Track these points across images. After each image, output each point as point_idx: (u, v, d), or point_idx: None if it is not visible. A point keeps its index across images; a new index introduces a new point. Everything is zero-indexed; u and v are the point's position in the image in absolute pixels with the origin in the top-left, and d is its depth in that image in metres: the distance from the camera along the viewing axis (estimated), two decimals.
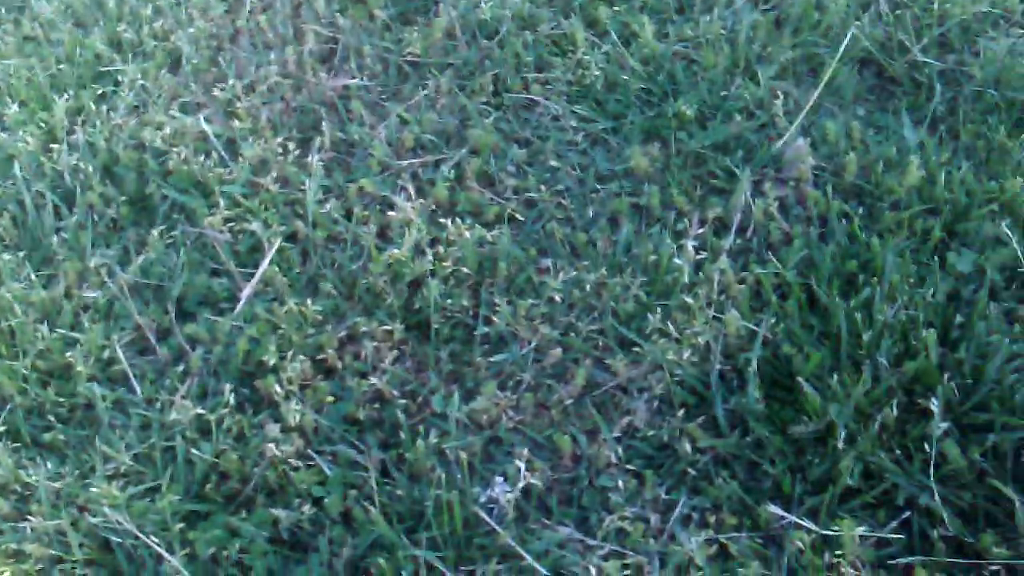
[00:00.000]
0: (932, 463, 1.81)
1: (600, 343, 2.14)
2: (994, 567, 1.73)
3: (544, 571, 1.80)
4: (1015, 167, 2.25)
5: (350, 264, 2.28)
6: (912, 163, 2.21)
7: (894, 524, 1.81)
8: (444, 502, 1.85)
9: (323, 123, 2.53)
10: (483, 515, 1.88)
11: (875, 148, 2.34)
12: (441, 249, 2.25)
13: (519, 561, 1.83)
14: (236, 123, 2.55)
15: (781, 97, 2.44)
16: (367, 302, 2.22)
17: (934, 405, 1.84)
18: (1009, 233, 2.11)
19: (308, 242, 2.33)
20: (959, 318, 2.01)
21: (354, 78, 2.66)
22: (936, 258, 2.11)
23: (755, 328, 2.04)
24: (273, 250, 2.29)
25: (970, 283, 2.09)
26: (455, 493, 1.86)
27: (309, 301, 2.17)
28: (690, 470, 1.93)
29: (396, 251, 2.23)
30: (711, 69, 2.57)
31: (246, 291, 2.25)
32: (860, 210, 2.23)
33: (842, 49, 2.50)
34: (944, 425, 1.83)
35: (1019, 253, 2.10)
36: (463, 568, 1.84)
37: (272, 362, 2.09)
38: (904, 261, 2.08)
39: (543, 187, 2.39)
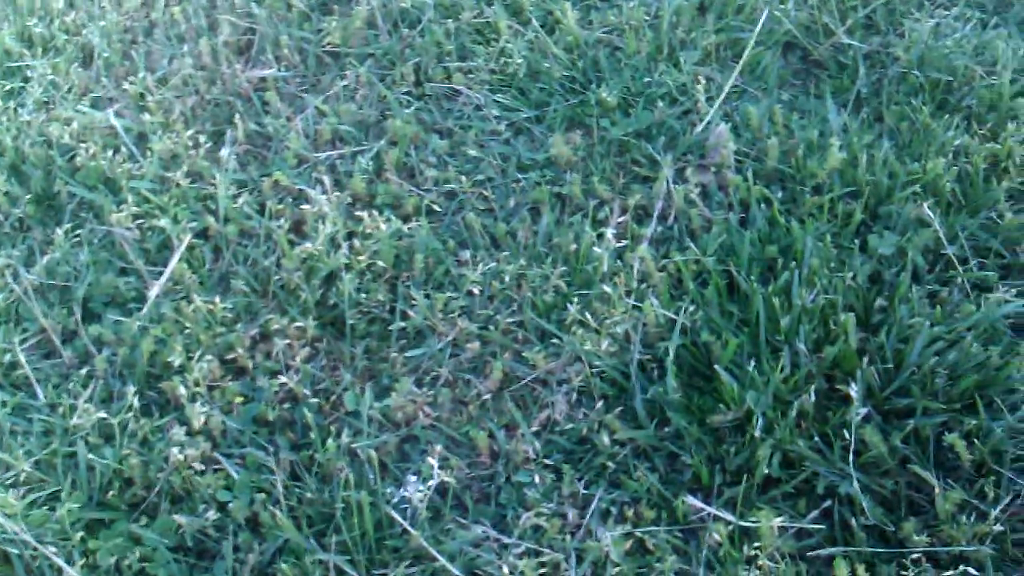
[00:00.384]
0: (852, 450, 1.78)
1: (519, 336, 2.08)
2: (915, 555, 1.69)
3: (457, 572, 1.75)
4: (939, 148, 2.22)
5: (263, 260, 2.21)
6: (833, 146, 2.17)
7: (815, 514, 1.77)
8: (354, 503, 1.79)
9: (237, 116, 2.45)
10: (395, 516, 1.82)
11: (798, 132, 2.31)
12: (357, 243, 2.19)
13: (432, 563, 1.77)
14: (147, 117, 2.47)
15: (703, 82, 2.39)
16: (281, 299, 2.15)
17: (853, 390, 1.80)
18: (931, 214, 2.07)
19: (220, 238, 2.26)
20: (881, 302, 1.98)
21: (271, 69, 2.59)
22: (857, 241, 2.08)
23: (674, 317, 1.99)
24: (183, 247, 2.21)
25: (892, 266, 2.05)
26: (366, 494, 1.79)
27: (218, 299, 2.10)
28: (609, 463, 1.88)
29: (310, 245, 2.16)
30: (634, 55, 2.53)
31: (154, 290, 2.18)
32: (781, 195, 2.19)
33: (757, 30, 2.46)
34: (864, 411, 1.79)
35: (941, 234, 2.07)
36: (374, 571, 1.78)
37: (178, 363, 2.01)
38: (824, 245, 2.04)
39: (464, 178, 2.33)
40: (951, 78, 2.38)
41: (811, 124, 2.33)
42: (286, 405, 2.00)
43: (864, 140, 2.24)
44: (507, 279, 2.13)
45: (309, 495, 1.84)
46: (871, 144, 2.25)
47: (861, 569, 1.64)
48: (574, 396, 1.98)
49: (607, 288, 2.06)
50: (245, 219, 2.28)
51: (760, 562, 1.68)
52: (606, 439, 1.89)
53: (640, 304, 2.02)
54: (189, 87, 2.57)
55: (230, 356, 2.06)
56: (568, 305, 2.05)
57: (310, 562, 1.75)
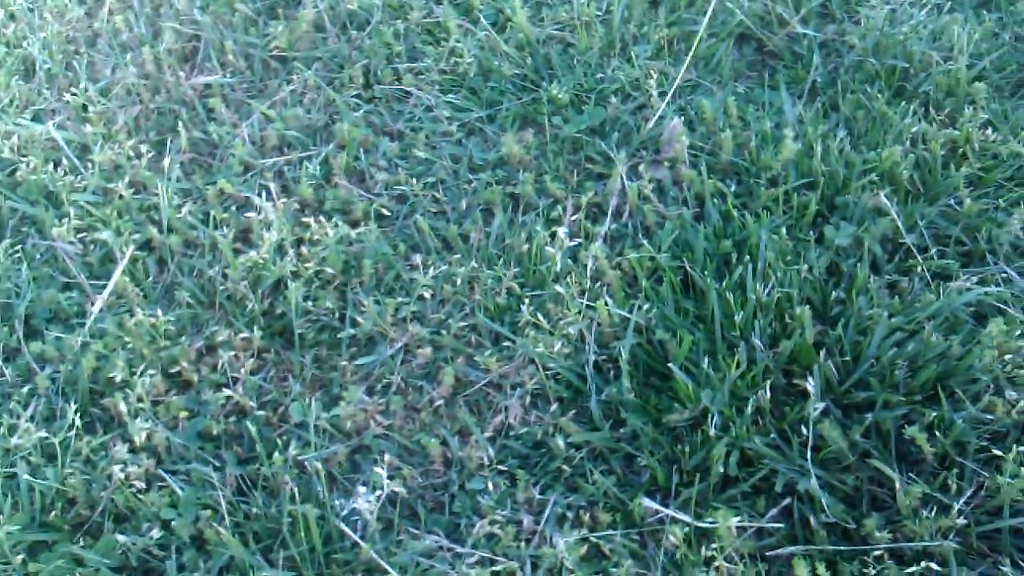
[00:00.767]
0: (811, 446, 1.73)
1: (472, 339, 2.03)
2: (877, 552, 1.65)
3: None
4: (896, 135, 2.18)
5: (209, 270, 2.15)
6: (788, 137, 2.13)
7: (774, 512, 1.72)
8: (301, 518, 1.73)
9: (181, 124, 2.39)
10: (345, 528, 1.76)
11: (753, 124, 2.27)
12: (305, 250, 2.13)
13: (383, 575, 1.72)
14: (89, 128, 2.41)
15: (656, 76, 2.35)
16: (227, 309, 2.10)
17: (810, 385, 1.76)
18: (888, 203, 2.03)
19: (164, 249, 2.20)
20: (839, 294, 1.94)
21: (215, 76, 2.53)
22: (814, 233, 2.04)
23: (628, 316, 1.94)
24: (125, 260, 2.15)
25: (850, 257, 2.01)
26: (314, 507, 1.74)
27: (160, 312, 2.04)
28: (564, 467, 1.83)
29: (255, 254, 2.11)
30: (586, 52, 2.48)
31: (97, 304, 2.11)
32: (736, 188, 2.15)
33: (706, 21, 2.42)
34: (821, 405, 1.75)
35: (899, 223, 2.03)
36: None
37: (120, 378, 1.95)
38: (780, 238, 2.00)
39: (415, 180, 2.28)
40: (907, 65, 2.35)
41: (766, 116, 2.29)
42: (232, 419, 1.94)
43: (819, 130, 2.20)
44: (459, 282, 2.08)
45: (255, 510, 1.79)
46: (826, 134, 2.21)
47: (822, 568, 1.60)
48: (528, 399, 1.93)
49: (560, 288, 2.01)
50: (189, 229, 2.22)
51: (718, 563, 1.64)
52: (561, 442, 1.84)
53: (594, 304, 1.97)
54: (132, 96, 2.51)
55: (174, 370, 2.00)
56: (521, 307, 2.01)
57: None
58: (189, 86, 2.52)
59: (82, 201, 2.27)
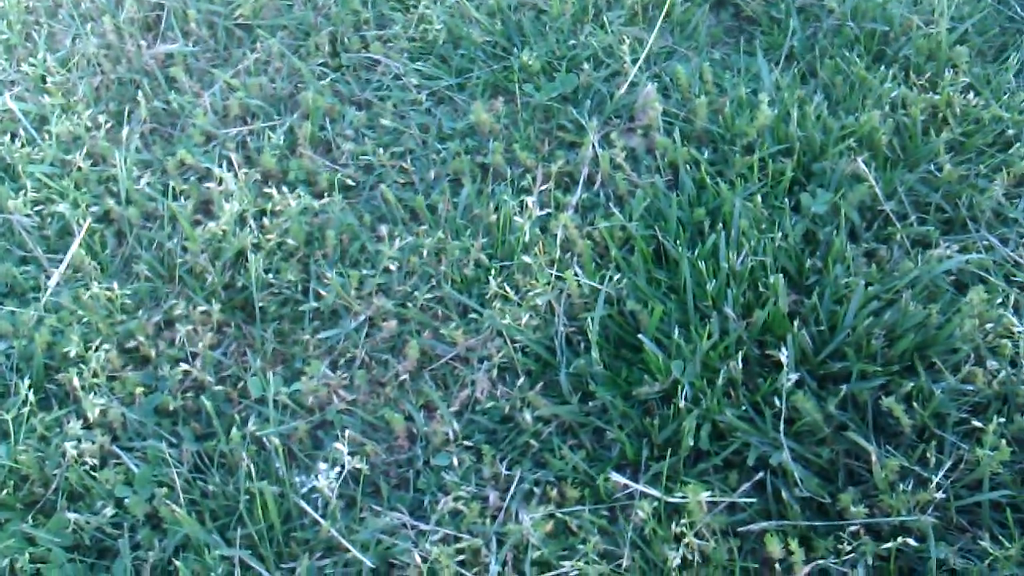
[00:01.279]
0: (784, 418, 1.68)
1: (438, 312, 1.97)
2: (853, 527, 1.60)
3: (370, 563, 1.64)
4: (875, 100, 2.12)
5: (168, 243, 2.08)
6: (763, 103, 2.06)
7: (746, 487, 1.67)
8: (259, 495, 1.67)
9: (141, 93, 2.32)
10: (304, 506, 1.70)
11: (729, 90, 2.20)
12: (267, 221, 2.07)
13: (344, 553, 1.66)
14: (47, 99, 2.34)
15: (628, 42, 2.28)
16: (187, 283, 2.03)
17: (784, 356, 1.70)
18: (867, 169, 1.97)
19: (123, 221, 2.13)
20: (815, 262, 1.88)
21: (177, 44, 2.46)
22: (789, 200, 1.98)
23: (599, 286, 1.88)
24: (82, 232, 2.09)
25: (826, 224, 1.95)
26: (270, 484, 1.68)
27: (116, 285, 1.98)
28: (532, 442, 1.78)
29: (214, 225, 2.04)
30: (559, 18, 2.41)
31: (54, 278, 2.05)
32: (710, 156, 2.09)
33: None
34: (794, 376, 1.69)
35: (878, 190, 1.97)
36: (283, 566, 1.66)
37: (74, 353, 1.89)
38: (754, 206, 1.94)
39: (382, 150, 2.21)
40: (888, 28, 2.29)
41: (742, 82, 2.22)
42: (190, 394, 1.88)
43: (796, 95, 2.14)
44: (426, 253, 2.02)
45: (212, 488, 1.73)
46: (804, 99, 2.15)
47: (795, 544, 1.54)
48: (495, 373, 1.87)
49: (529, 259, 1.95)
50: (148, 201, 2.16)
51: (688, 539, 1.58)
52: (529, 417, 1.79)
53: (563, 275, 1.91)
54: (92, 67, 2.43)
55: (131, 345, 1.94)
56: (489, 278, 1.95)
57: (213, 558, 1.64)
58: (150, 56, 2.45)
59: (39, 173, 2.20)
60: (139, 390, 1.88)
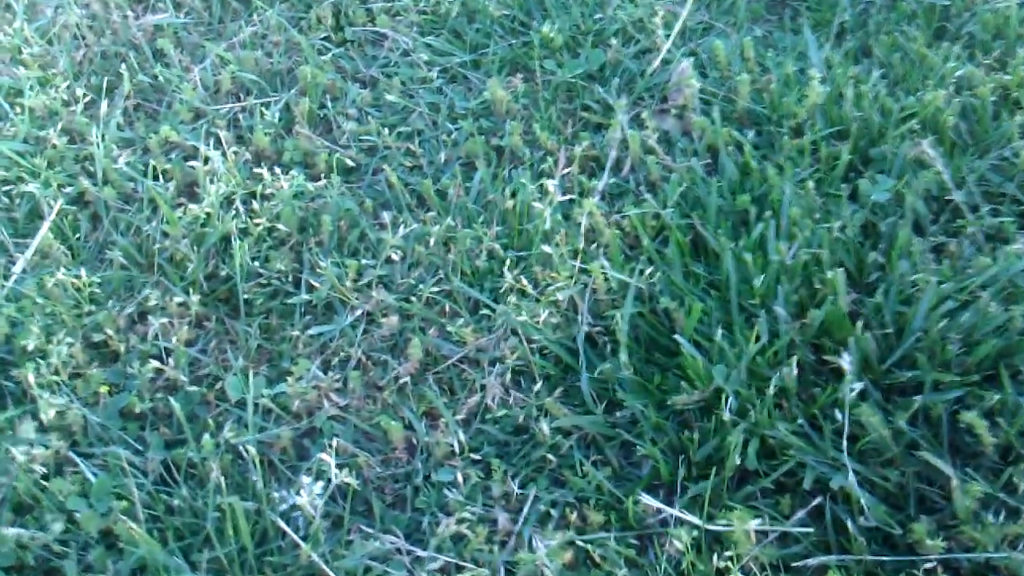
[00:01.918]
0: (846, 435, 1.44)
1: (446, 307, 1.75)
2: (928, 564, 1.36)
3: None
4: (938, 80, 1.89)
5: (146, 227, 1.87)
6: (814, 79, 1.84)
7: (801, 514, 1.43)
8: (230, 511, 1.45)
9: (124, 66, 2.11)
10: (283, 525, 1.47)
11: (774, 68, 1.98)
12: (256, 204, 1.85)
13: None
14: (23, 71, 2.13)
15: (661, 15, 2.06)
16: (166, 271, 1.81)
17: (846, 362, 1.46)
18: (932, 153, 1.74)
19: (99, 204, 1.92)
20: (876, 257, 1.65)
21: (166, 15, 2.25)
22: (846, 187, 1.75)
23: (628, 280, 1.65)
24: (52, 214, 1.88)
25: (888, 215, 1.72)
26: (243, 500, 1.46)
27: (84, 272, 1.76)
28: (550, 457, 1.55)
29: (196, 208, 1.82)
30: None
31: (19, 264, 1.84)
32: (754, 138, 1.87)
33: None
34: (858, 386, 1.46)
35: (946, 178, 1.74)
36: None
37: (33, 346, 1.67)
38: (806, 192, 1.71)
39: (387, 131, 2.00)
40: (948, 3, 2.06)
41: (788, 59, 2.00)
42: (161, 396, 1.66)
43: (849, 74, 1.91)
44: (433, 242, 1.80)
45: (178, 502, 1.50)
46: (859, 78, 1.92)
47: None
48: (509, 377, 1.65)
49: (549, 249, 1.72)
50: (127, 181, 1.95)
51: (732, 574, 1.34)
52: (546, 428, 1.56)
53: (588, 267, 1.68)
54: (75, 38, 2.23)
55: (98, 339, 1.72)
56: (503, 270, 1.72)
57: None
58: (138, 27, 2.24)
59: (8, 151, 1.99)
60: (104, 389, 1.66)
